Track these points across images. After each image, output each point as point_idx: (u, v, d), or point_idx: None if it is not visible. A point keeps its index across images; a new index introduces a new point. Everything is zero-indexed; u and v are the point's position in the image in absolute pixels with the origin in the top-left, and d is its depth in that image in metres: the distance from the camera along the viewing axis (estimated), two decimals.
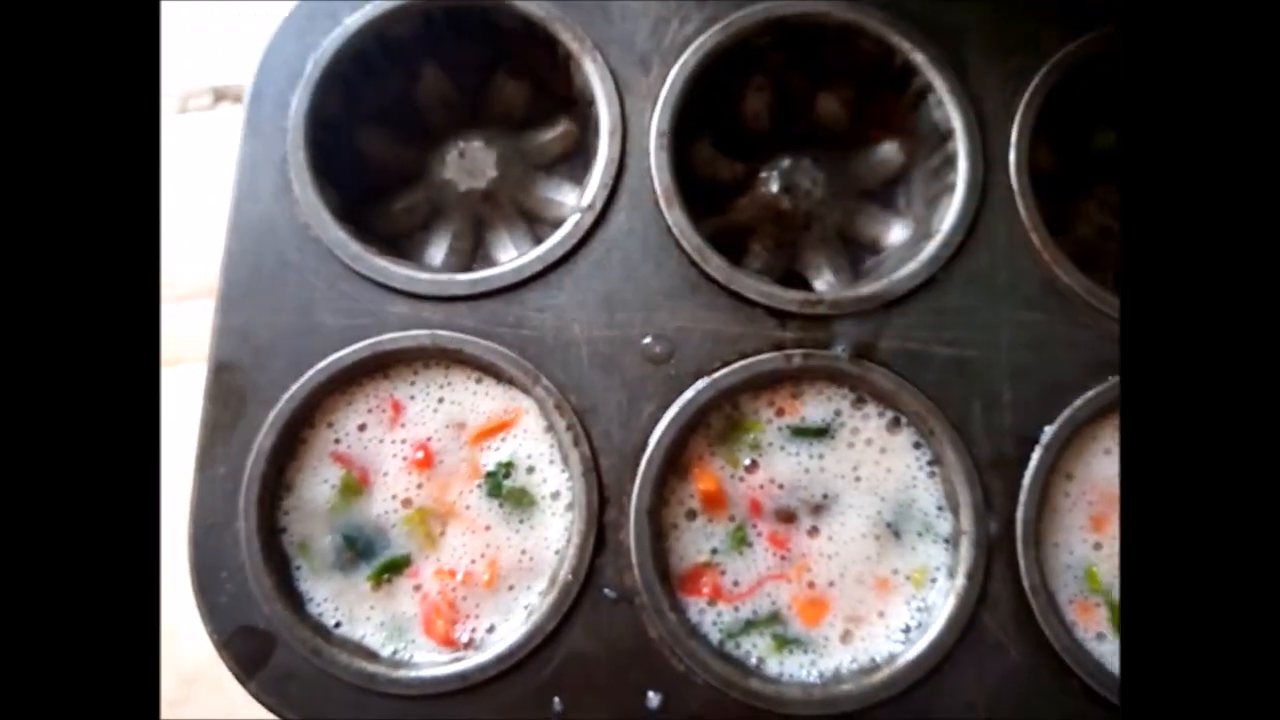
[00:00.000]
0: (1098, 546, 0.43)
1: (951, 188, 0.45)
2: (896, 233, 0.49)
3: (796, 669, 0.42)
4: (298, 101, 0.45)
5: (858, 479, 0.44)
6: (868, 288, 0.44)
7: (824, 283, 0.49)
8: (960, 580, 0.41)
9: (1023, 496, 0.42)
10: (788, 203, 0.49)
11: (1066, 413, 0.43)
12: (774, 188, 0.49)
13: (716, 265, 0.43)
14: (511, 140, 0.50)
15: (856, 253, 0.50)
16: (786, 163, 0.50)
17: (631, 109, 0.46)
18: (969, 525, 0.42)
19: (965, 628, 0.41)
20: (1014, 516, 0.42)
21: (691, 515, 0.43)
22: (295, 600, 0.42)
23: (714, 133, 0.50)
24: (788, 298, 0.43)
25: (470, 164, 0.49)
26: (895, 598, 0.43)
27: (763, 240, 0.50)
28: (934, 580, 0.43)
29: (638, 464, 0.42)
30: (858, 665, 0.42)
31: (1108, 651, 0.42)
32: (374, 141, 0.49)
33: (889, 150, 0.50)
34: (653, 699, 0.40)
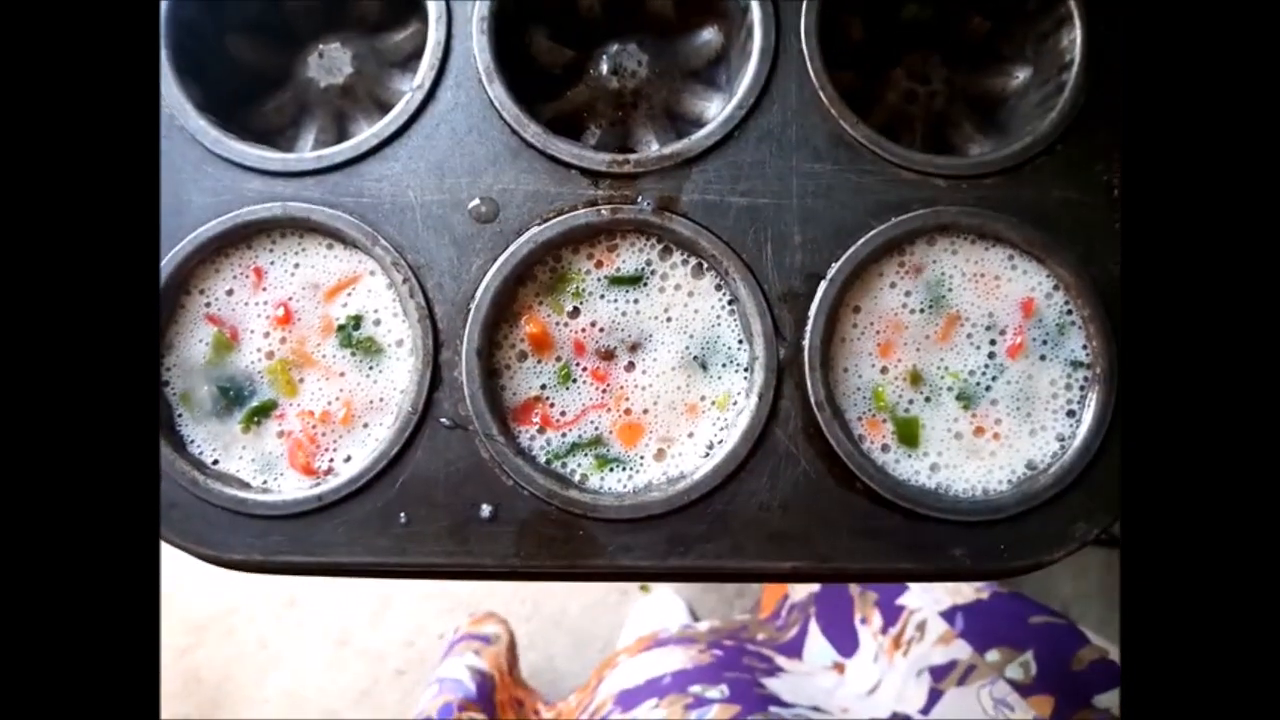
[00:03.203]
0: (884, 370, 0.48)
1: (750, 56, 0.50)
2: (717, 106, 0.54)
3: (614, 484, 0.48)
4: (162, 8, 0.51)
5: (669, 320, 0.49)
6: (669, 147, 0.49)
7: None
8: (754, 399, 0.47)
9: (809, 325, 0.47)
10: (616, 83, 0.54)
11: (850, 250, 0.48)
12: (604, 69, 0.54)
13: (534, 132, 0.48)
14: (368, 41, 0.55)
15: (683, 127, 0.55)
16: (615, 47, 0.55)
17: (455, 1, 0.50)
18: (761, 352, 0.47)
19: (758, 441, 0.47)
20: (802, 343, 0.47)
21: (522, 356, 0.49)
22: (177, 442, 0.48)
23: (550, 24, 0.55)
24: (598, 159, 0.48)
25: (329, 63, 0.55)
26: (703, 420, 0.48)
27: (597, 120, 0.55)
28: (735, 404, 0.48)
29: (468, 311, 0.47)
30: (667, 478, 0.47)
31: (890, 460, 0.47)
32: (243, 48, 0.54)
33: (709, 34, 0.54)
34: (485, 510, 0.46)
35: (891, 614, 0.82)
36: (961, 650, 0.73)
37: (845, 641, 0.86)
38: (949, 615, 0.76)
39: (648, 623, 1.48)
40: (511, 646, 1.11)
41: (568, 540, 0.46)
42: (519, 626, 1.31)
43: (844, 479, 0.47)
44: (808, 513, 0.46)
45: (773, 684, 0.79)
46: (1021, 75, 0.55)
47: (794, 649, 0.90)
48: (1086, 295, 0.48)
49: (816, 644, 0.88)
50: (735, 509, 0.46)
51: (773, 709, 0.72)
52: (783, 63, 0.50)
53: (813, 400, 0.47)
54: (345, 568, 0.46)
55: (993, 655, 0.71)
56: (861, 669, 0.82)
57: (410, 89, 0.49)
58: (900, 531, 0.46)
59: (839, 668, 0.85)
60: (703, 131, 0.49)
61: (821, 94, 0.49)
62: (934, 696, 0.71)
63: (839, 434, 0.47)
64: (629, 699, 0.79)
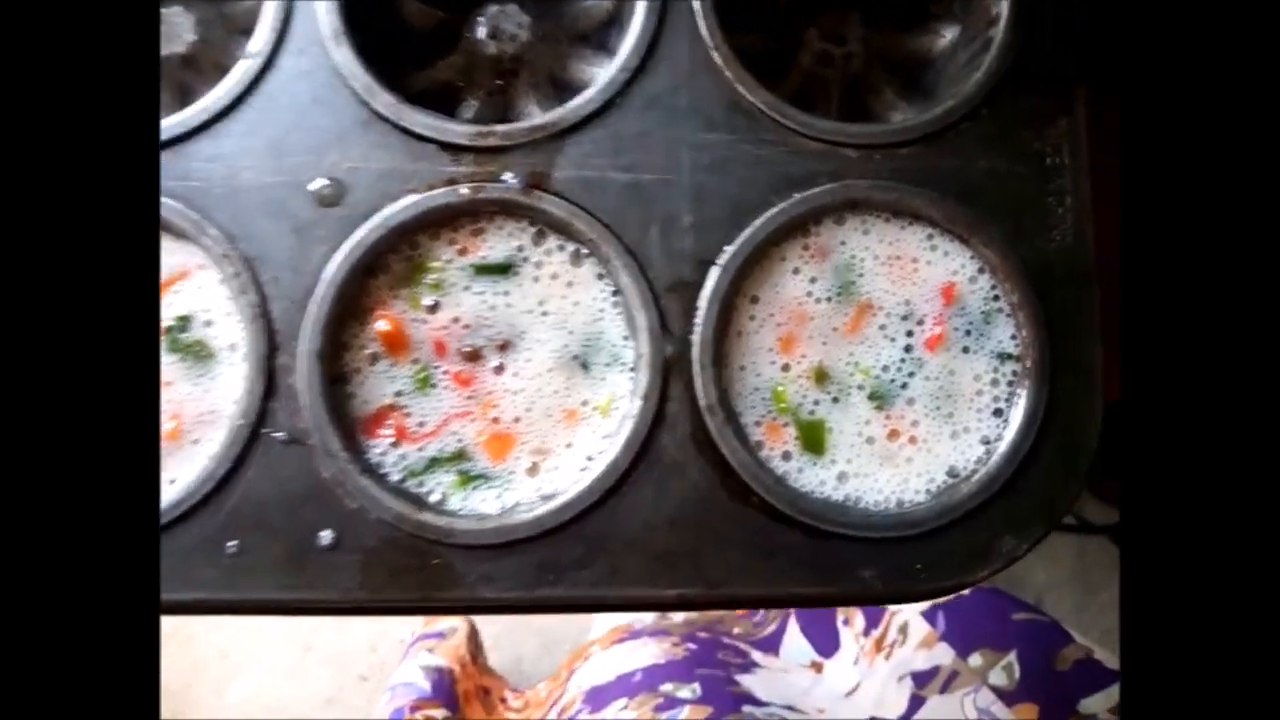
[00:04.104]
0: (785, 368, 0.42)
1: (636, 12, 0.44)
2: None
3: (479, 504, 0.42)
4: None
5: (544, 314, 0.43)
6: (542, 117, 0.43)
7: None
8: (638, 402, 0.41)
9: (700, 317, 0.42)
10: (495, 48, 0.48)
11: (747, 232, 0.42)
12: (481, 33, 0.48)
13: (385, 102, 0.42)
14: (215, 5, 0.49)
15: (570, 97, 0.48)
16: (494, 9, 0.49)
17: None
18: (646, 349, 0.41)
19: (641, 450, 0.41)
20: (691, 338, 0.42)
21: (374, 359, 0.43)
22: None
23: None
24: (459, 131, 0.42)
25: (168, 30, 0.48)
26: (584, 429, 0.43)
27: (474, 90, 0.49)
28: (619, 408, 0.42)
29: (307, 308, 0.42)
30: (539, 495, 0.42)
31: (792, 469, 0.42)
32: None
33: None
34: (325, 537, 0.40)
35: (874, 615, 0.79)
36: (944, 655, 0.70)
37: (826, 641, 0.83)
38: (930, 615, 0.73)
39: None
40: (473, 636, 1.08)
41: (420, 569, 0.40)
42: (485, 627, 1.27)
43: (738, 491, 0.41)
44: (697, 530, 0.41)
45: (747, 680, 0.77)
46: (949, 34, 0.49)
47: (771, 645, 0.87)
48: (1015, 278, 0.42)
49: (795, 642, 0.85)
50: (615, 529, 0.41)
51: (746, 708, 0.69)
52: (672, 20, 0.44)
53: (703, 403, 0.41)
54: (168, 605, 0.40)
55: (975, 660, 0.68)
56: (841, 670, 0.80)
57: (247, 55, 0.43)
58: (801, 550, 0.41)
59: (816, 666, 0.82)
60: (579, 99, 0.43)
61: (715, 54, 0.43)
62: (915, 703, 0.69)
63: (733, 441, 0.41)
64: (598, 696, 0.76)
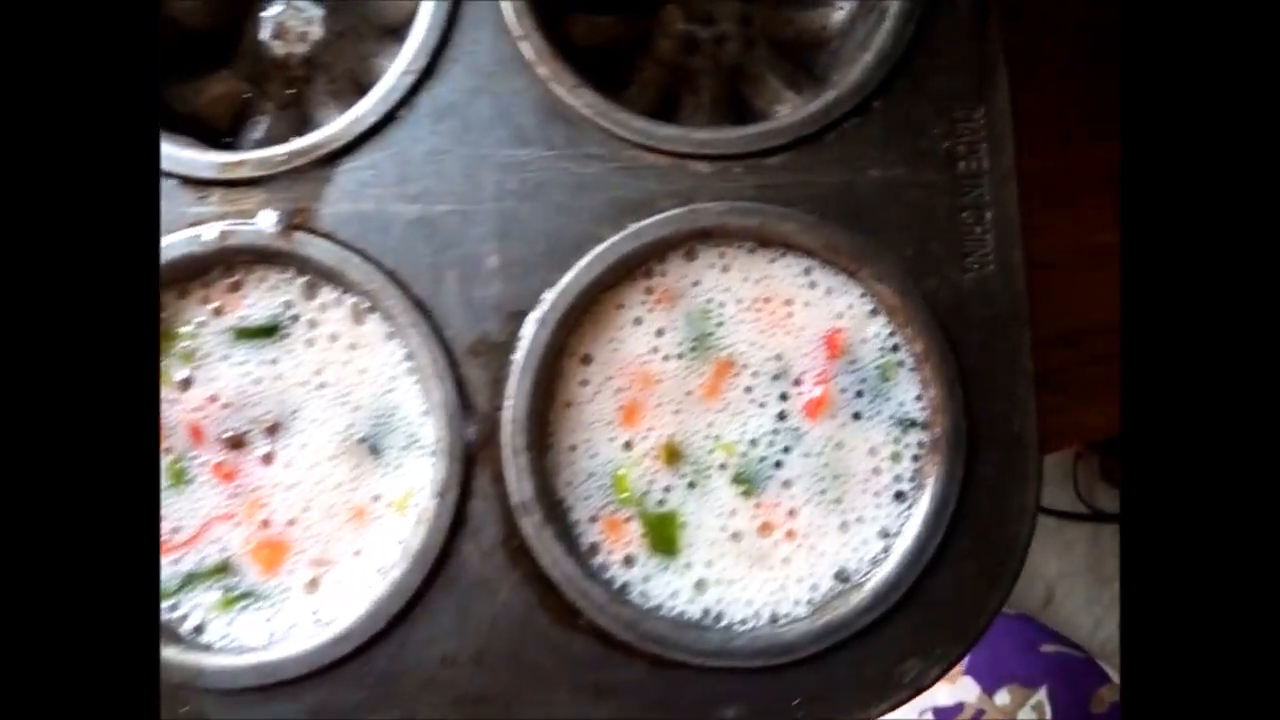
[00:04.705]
0: (628, 446, 0.33)
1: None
2: None
3: (247, 629, 0.33)
4: None
5: (322, 386, 0.34)
6: (306, 139, 0.34)
7: None
8: (431, 502, 0.32)
9: (510, 387, 0.33)
10: (281, 49, 0.39)
11: (571, 274, 0.33)
12: (265, 34, 0.39)
13: None
14: None
15: None
16: (278, 7, 0.39)
17: None
18: (442, 431, 0.33)
19: (438, 563, 0.32)
20: (500, 415, 0.33)
21: None
22: None
23: None
24: (204, 161, 0.33)
25: None
26: (375, 531, 0.34)
27: (264, 103, 0.40)
28: (419, 505, 0.34)
29: None
30: (319, 620, 0.33)
31: (636, 578, 0.33)
32: None
33: None
34: None
35: None
36: (969, 690, 0.66)
37: None
38: None
39: None
40: None
41: None
42: None
43: (563, 613, 0.32)
44: (511, 665, 0.32)
45: None
46: (846, 6, 0.39)
47: None
48: (918, 322, 0.32)
49: None
50: (407, 664, 0.32)
51: None
52: (469, 7, 0.34)
53: (515, 499, 0.32)
54: None
55: (1002, 697, 0.65)
56: None
57: None
58: (646, 686, 0.32)
59: None
60: (351, 112, 0.34)
61: (525, 46, 0.34)
62: None
63: (555, 546, 0.32)
64: None
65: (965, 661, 0.68)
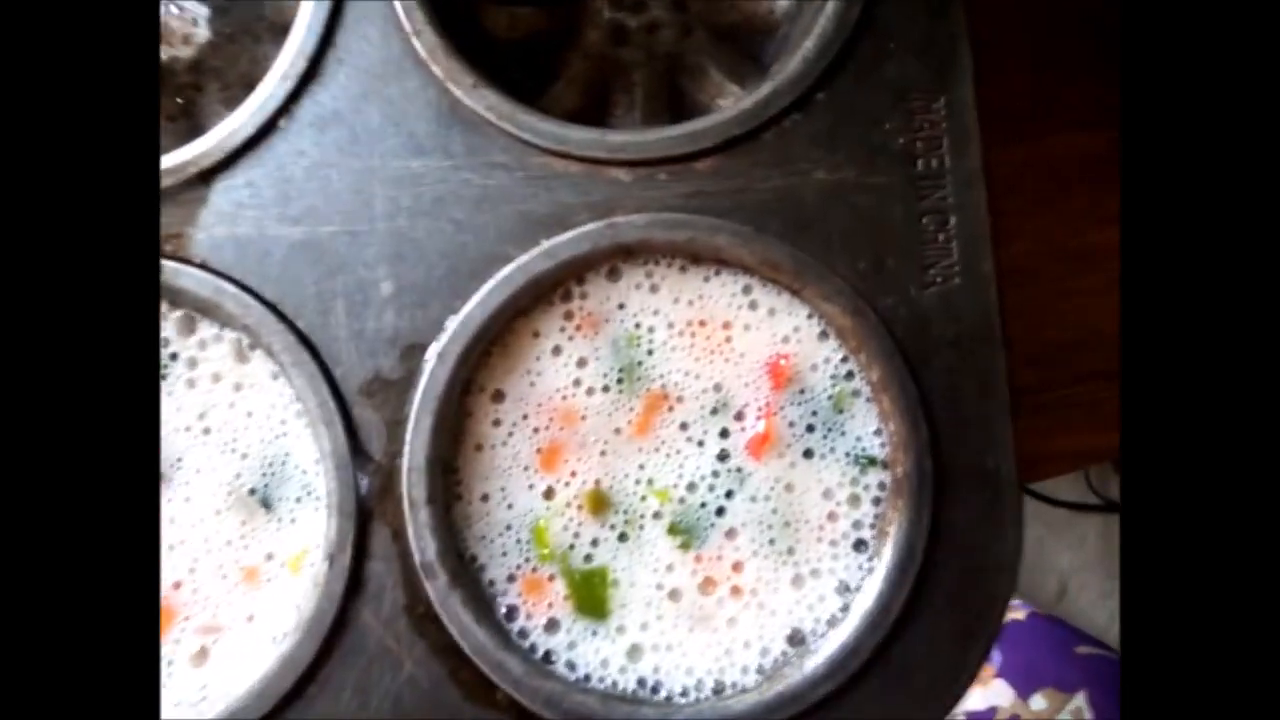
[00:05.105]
0: (549, 493, 0.29)
1: None
2: None
3: None
4: None
5: (206, 432, 0.30)
6: (174, 155, 0.30)
7: None
8: (322, 566, 0.29)
9: (409, 431, 0.29)
10: (163, 55, 0.35)
11: (476, 300, 0.29)
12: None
13: None
14: None
15: None
16: (171, 8, 0.36)
17: None
18: (333, 483, 0.29)
19: (332, 634, 0.28)
20: (399, 463, 0.29)
21: None
22: None
23: None
24: None
25: None
26: (269, 593, 0.30)
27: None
28: (313, 564, 0.30)
29: None
30: (204, 696, 0.30)
31: (559, 645, 0.29)
32: None
33: None
34: None
35: None
36: (1002, 694, 0.65)
37: None
38: None
39: None
40: None
41: None
42: None
43: (477, 688, 0.28)
44: None
45: None
46: None
47: None
48: (874, 346, 0.28)
49: None
50: None
51: None
52: (354, 4, 0.30)
53: (418, 559, 0.28)
54: None
55: (1038, 701, 0.64)
56: None
57: None
58: None
59: None
60: (225, 124, 0.30)
61: (417, 43, 0.30)
62: None
63: (465, 613, 0.28)
64: None
65: (997, 664, 0.67)
